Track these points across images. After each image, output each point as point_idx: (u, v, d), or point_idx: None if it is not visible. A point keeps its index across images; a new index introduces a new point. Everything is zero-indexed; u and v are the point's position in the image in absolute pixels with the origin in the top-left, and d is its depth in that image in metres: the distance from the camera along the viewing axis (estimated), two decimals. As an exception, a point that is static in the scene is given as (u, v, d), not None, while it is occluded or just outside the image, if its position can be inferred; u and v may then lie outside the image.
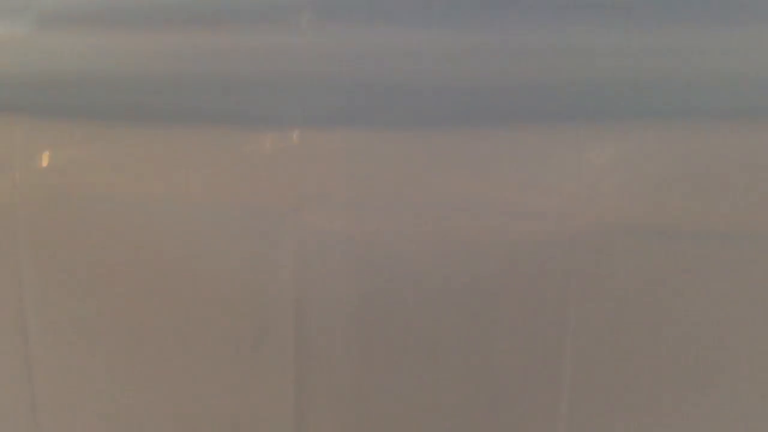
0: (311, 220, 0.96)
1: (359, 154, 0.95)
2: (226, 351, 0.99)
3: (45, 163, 0.97)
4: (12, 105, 0.95)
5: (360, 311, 0.99)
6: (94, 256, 0.98)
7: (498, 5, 0.89)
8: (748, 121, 0.91)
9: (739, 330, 0.94)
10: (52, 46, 0.92)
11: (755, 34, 0.88)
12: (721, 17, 0.88)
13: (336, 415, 1.01)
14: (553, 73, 0.89)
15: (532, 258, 0.94)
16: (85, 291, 0.99)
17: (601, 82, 0.89)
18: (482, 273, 0.95)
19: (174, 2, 0.92)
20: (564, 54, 0.89)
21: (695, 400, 0.96)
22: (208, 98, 0.94)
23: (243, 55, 0.92)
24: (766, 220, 0.90)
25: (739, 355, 0.94)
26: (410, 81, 0.92)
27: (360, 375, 0.99)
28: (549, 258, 0.93)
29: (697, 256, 0.92)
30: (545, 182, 0.94)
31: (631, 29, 0.88)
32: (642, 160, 0.92)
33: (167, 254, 0.98)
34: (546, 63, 0.89)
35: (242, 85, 0.94)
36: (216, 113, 0.95)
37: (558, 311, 0.94)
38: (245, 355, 1.00)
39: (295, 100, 0.93)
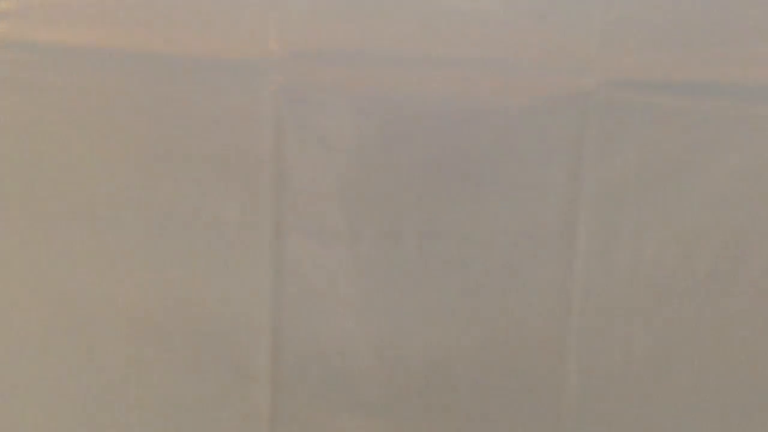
0: (293, 73, 0.89)
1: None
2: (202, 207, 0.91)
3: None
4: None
5: (346, 173, 0.91)
6: (48, 109, 0.90)
7: None
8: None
9: (756, 184, 0.91)
10: None
11: None
12: None
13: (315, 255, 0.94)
14: None
15: (544, 113, 0.90)
16: (37, 144, 0.91)
17: None
18: (491, 128, 0.91)
19: None
20: None
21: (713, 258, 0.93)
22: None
23: None
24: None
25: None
26: None
27: (343, 224, 0.92)
28: (561, 114, 0.90)
29: (713, 110, 0.89)
30: (556, 37, 0.89)
31: None
32: (651, 12, 0.88)
33: (133, 110, 0.90)
34: None
35: None
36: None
37: (572, 169, 0.91)
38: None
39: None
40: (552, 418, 0.98)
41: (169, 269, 0.93)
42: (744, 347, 0.97)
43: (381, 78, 0.89)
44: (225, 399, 0.97)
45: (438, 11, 0.89)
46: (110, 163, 0.91)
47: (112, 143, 0.91)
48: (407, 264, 0.94)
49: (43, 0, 0.90)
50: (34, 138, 0.91)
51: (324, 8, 0.89)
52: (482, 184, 0.92)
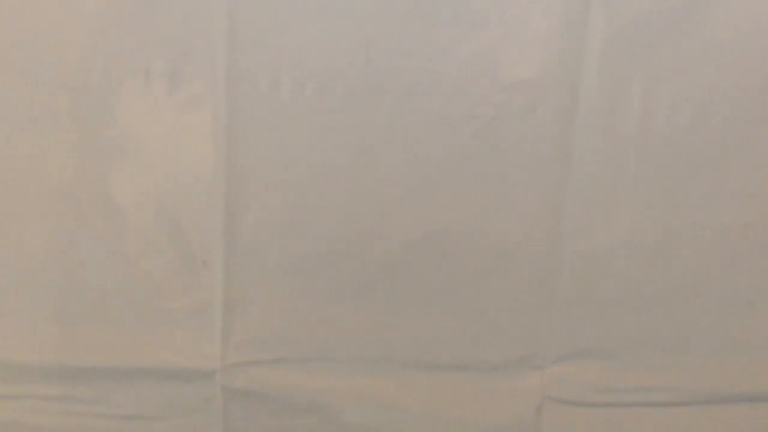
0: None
1: None
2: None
3: None
4: None
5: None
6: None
7: None
8: None
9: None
10: None
11: None
12: None
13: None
14: None
15: None
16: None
17: None
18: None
19: None
20: None
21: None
22: None
23: None
24: None
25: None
26: None
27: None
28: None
29: None
30: None
31: None
32: None
33: None
34: None
35: None
36: None
37: (579, 15, 0.81)
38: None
39: None
40: (546, 300, 0.91)
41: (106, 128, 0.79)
42: (757, 224, 0.88)
43: None
44: (173, 284, 0.87)
45: None
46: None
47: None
48: (386, 123, 0.83)
49: None
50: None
51: None
52: (472, 29, 0.82)
